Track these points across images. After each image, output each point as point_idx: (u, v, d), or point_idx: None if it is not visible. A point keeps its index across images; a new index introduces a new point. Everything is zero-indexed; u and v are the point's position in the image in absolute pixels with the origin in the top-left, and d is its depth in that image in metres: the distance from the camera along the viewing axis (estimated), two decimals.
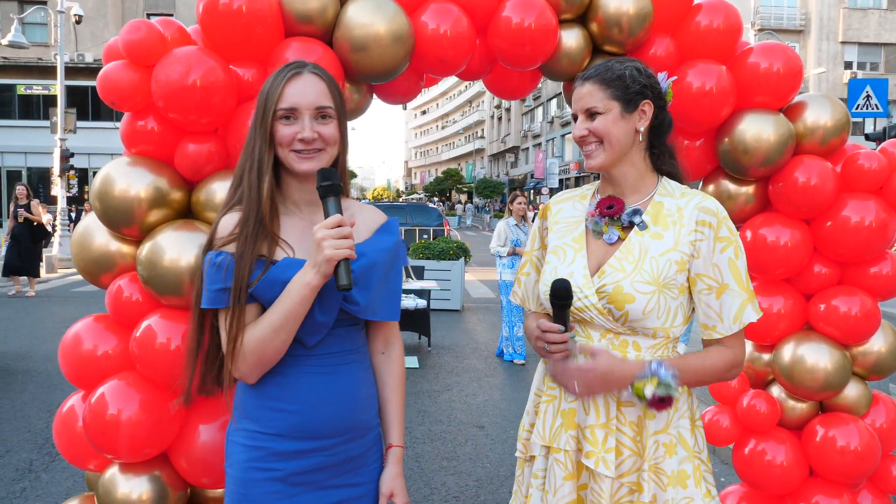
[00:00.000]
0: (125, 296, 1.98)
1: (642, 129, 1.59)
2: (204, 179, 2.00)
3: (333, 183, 1.43)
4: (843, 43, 31.82)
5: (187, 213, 2.03)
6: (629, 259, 1.54)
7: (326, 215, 1.42)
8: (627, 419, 1.54)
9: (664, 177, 1.65)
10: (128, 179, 1.94)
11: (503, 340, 7.28)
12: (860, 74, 29.07)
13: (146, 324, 1.92)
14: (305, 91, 1.47)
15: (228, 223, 1.48)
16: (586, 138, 1.60)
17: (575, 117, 1.64)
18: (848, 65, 31.83)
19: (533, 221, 7.74)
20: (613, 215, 1.60)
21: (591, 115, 1.58)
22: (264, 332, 1.41)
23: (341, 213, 1.42)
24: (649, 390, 1.46)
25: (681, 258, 1.53)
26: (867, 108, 11.35)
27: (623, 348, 1.55)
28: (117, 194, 1.93)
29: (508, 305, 7.04)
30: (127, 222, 1.95)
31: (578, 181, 41.29)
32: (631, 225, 1.58)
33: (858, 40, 31.80)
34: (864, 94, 11.23)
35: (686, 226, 1.55)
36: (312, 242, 1.39)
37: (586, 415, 1.55)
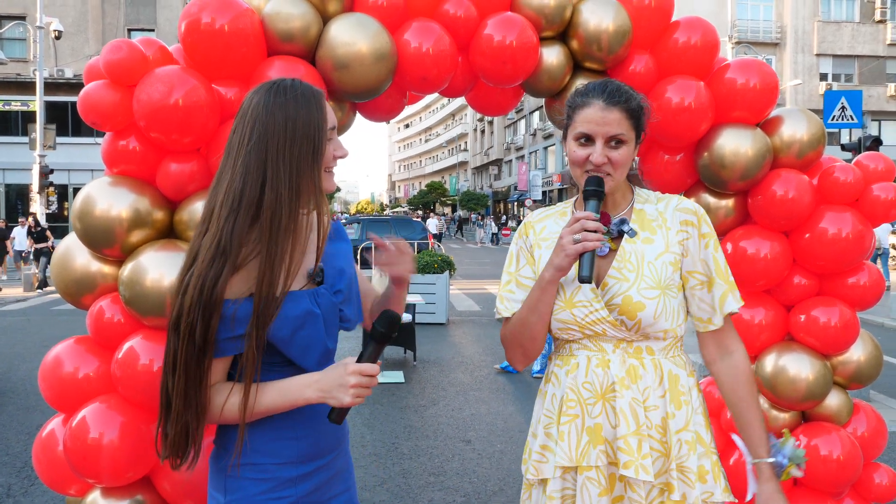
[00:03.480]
0: (107, 317, 1.96)
1: (636, 156, 1.64)
2: (186, 199, 1.99)
3: (391, 333, 1.39)
4: (818, 55, 32.40)
5: (169, 232, 2.02)
6: (628, 267, 1.57)
7: (363, 357, 1.39)
8: (654, 423, 1.56)
9: (636, 186, 1.70)
10: (109, 199, 1.93)
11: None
12: (835, 86, 29.62)
13: (128, 345, 1.90)
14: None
15: None
16: (604, 165, 1.56)
17: (582, 136, 1.58)
18: (823, 76, 32.40)
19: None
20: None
21: (615, 141, 1.56)
22: (239, 413, 1.38)
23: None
24: (796, 472, 1.57)
25: (674, 259, 1.58)
26: (842, 119, 11.56)
27: (638, 355, 1.57)
28: (98, 214, 1.92)
29: None
30: (108, 243, 1.93)
31: (561, 193, 41.55)
32: (620, 234, 1.61)
33: (833, 52, 32.41)
34: (839, 106, 11.44)
35: (672, 228, 1.60)
36: (336, 376, 1.37)
37: (614, 427, 1.56)
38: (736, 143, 2.28)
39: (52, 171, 17.99)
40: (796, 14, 32.35)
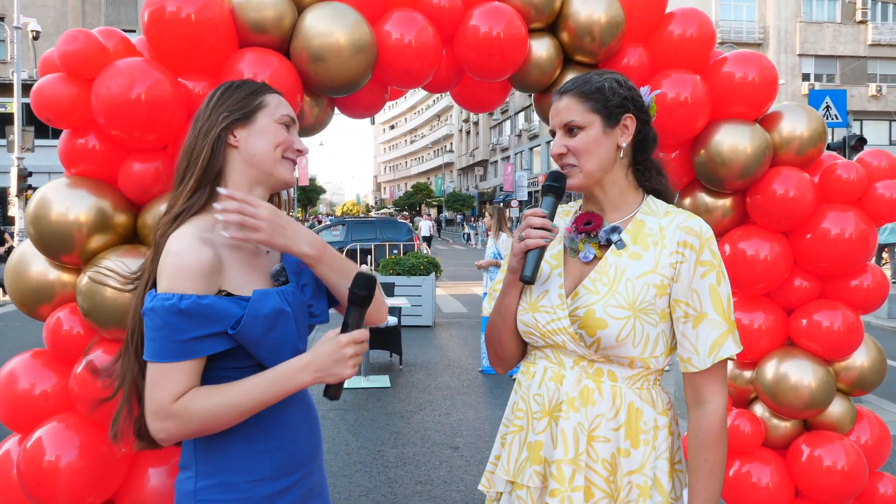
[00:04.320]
0: (65, 329, 1.82)
1: (625, 144, 1.49)
2: (151, 201, 1.86)
3: (370, 294, 1.33)
4: (801, 55, 32.69)
5: (133, 237, 1.88)
6: (604, 280, 1.43)
7: (347, 326, 1.33)
8: (600, 456, 1.40)
9: (650, 195, 1.54)
10: (66, 202, 1.79)
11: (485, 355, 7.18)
12: (817, 86, 29.91)
13: (88, 359, 1.75)
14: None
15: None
16: (565, 156, 1.48)
17: (553, 133, 1.53)
18: (805, 77, 32.69)
19: (496, 233, 7.44)
20: (590, 232, 1.49)
21: (570, 129, 1.47)
22: (228, 412, 1.27)
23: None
24: None
25: (661, 281, 1.42)
26: (827, 119, 11.57)
27: (597, 377, 1.43)
28: (54, 219, 1.78)
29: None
30: (66, 249, 1.79)
31: None
32: (608, 243, 1.47)
33: (815, 53, 32.72)
34: (823, 105, 11.46)
35: (667, 246, 1.43)
36: (330, 352, 1.30)
37: (554, 448, 1.42)
38: (734, 140, 2.18)
39: (30, 174, 17.64)
40: (779, 14, 32.63)
